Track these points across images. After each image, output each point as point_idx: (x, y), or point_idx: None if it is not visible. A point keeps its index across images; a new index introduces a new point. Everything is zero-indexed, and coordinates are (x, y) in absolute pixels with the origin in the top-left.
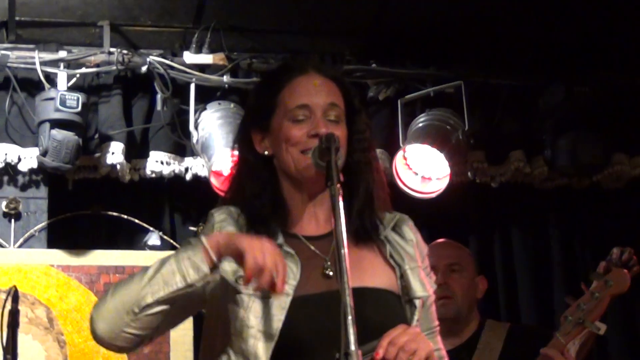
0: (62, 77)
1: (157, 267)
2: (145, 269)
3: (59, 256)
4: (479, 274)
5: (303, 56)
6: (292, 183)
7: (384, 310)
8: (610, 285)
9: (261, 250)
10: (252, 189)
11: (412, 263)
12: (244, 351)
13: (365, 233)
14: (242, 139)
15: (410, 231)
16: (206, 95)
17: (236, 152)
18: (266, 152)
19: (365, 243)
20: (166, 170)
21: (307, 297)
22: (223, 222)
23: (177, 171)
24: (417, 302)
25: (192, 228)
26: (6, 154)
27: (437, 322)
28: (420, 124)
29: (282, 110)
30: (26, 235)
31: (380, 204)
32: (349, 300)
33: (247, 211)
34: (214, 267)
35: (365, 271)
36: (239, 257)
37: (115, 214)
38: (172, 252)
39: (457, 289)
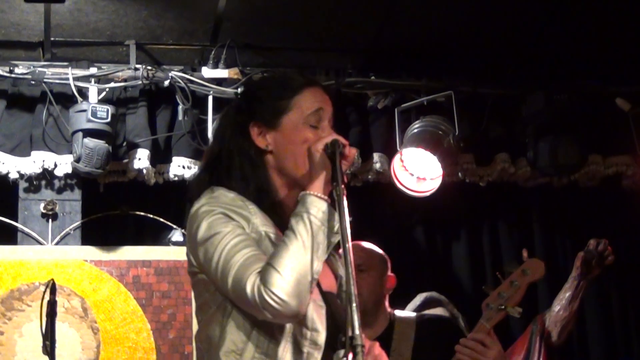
0: (93, 91)
1: (305, 232)
2: (289, 237)
3: (92, 252)
4: (390, 273)
5: (309, 71)
6: (286, 181)
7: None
8: (528, 274)
9: None
10: (256, 183)
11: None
12: None
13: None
14: (240, 131)
15: None
16: (223, 106)
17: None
18: (268, 147)
19: None
20: (187, 174)
21: None
22: (246, 201)
23: None
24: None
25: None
26: (44, 161)
27: None
28: (415, 130)
29: (298, 112)
30: (62, 233)
31: None
32: (353, 289)
33: (255, 202)
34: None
35: (327, 278)
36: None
37: (142, 213)
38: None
39: (362, 288)
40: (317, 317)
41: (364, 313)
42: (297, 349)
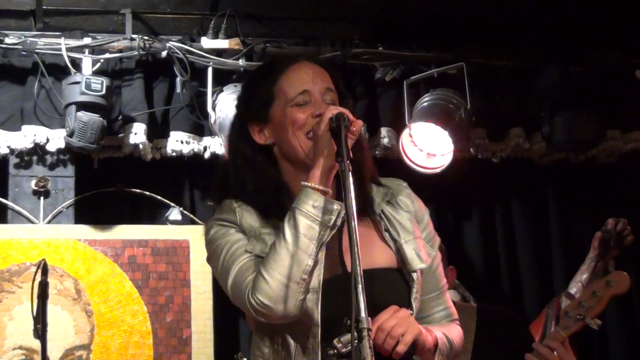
0: (87, 62)
1: (292, 231)
2: (279, 238)
3: (86, 231)
4: (449, 265)
5: (314, 42)
6: (296, 167)
7: (388, 289)
8: (612, 286)
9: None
10: (254, 184)
11: (407, 236)
12: None
13: (361, 208)
14: (240, 133)
15: (408, 199)
16: (223, 78)
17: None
18: (267, 142)
19: (361, 220)
20: (186, 149)
21: (324, 282)
22: (243, 206)
23: (196, 150)
24: (414, 275)
25: (210, 203)
26: (35, 135)
27: (444, 282)
28: (425, 104)
29: (283, 99)
30: (55, 211)
31: (368, 177)
32: (359, 269)
33: (253, 204)
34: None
35: (366, 252)
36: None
37: (138, 190)
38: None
39: None
40: (314, 307)
41: None
42: (302, 347)
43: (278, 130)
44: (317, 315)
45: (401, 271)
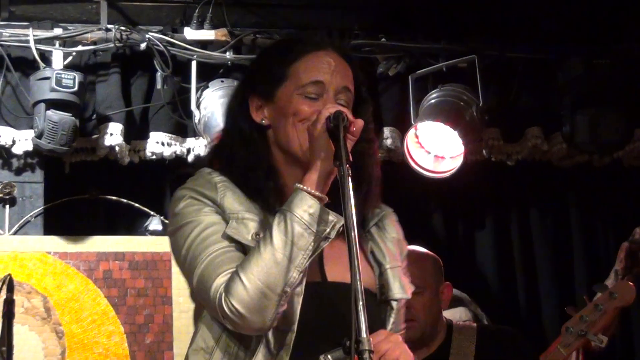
0: (57, 55)
1: (282, 237)
2: (264, 240)
3: (56, 243)
4: (445, 281)
5: (316, 31)
6: (288, 158)
7: (367, 310)
8: (615, 298)
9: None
10: (246, 161)
11: (393, 262)
12: None
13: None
14: (239, 105)
15: (393, 227)
16: (208, 73)
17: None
18: (263, 122)
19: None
20: (167, 152)
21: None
22: (225, 183)
23: (178, 152)
24: (395, 304)
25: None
26: (0, 137)
27: (403, 326)
28: (433, 101)
29: (294, 82)
30: (21, 221)
31: (374, 200)
32: (359, 285)
33: (241, 182)
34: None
35: (347, 268)
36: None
37: (114, 198)
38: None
39: (419, 311)
40: (292, 312)
41: (422, 339)
42: (269, 352)
43: (278, 114)
44: (296, 321)
45: (375, 297)
